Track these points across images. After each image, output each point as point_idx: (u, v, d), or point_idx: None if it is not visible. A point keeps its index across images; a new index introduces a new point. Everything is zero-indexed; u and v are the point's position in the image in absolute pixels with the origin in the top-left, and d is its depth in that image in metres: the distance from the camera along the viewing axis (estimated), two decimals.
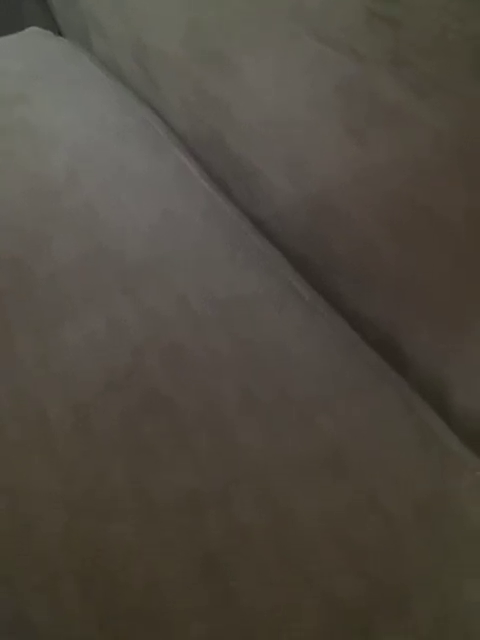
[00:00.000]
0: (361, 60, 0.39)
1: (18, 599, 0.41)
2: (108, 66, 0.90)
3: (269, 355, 0.53)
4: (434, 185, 0.44)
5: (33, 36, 0.96)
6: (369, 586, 0.41)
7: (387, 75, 0.38)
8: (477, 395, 0.54)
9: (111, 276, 0.58)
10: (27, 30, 0.98)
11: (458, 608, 0.41)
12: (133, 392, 0.50)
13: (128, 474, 0.46)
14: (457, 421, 0.54)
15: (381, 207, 0.51)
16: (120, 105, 0.81)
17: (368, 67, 0.39)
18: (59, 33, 1.12)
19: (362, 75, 0.40)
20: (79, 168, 0.68)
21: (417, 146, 0.42)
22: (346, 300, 0.59)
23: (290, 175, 0.59)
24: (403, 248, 0.51)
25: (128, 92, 0.85)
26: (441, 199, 0.45)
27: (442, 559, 0.43)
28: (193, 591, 0.41)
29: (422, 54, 0.36)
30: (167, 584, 0.41)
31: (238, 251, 0.62)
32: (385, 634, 0.40)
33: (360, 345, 0.57)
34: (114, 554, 0.42)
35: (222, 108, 0.64)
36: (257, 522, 0.44)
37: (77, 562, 0.43)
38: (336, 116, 0.47)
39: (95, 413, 0.49)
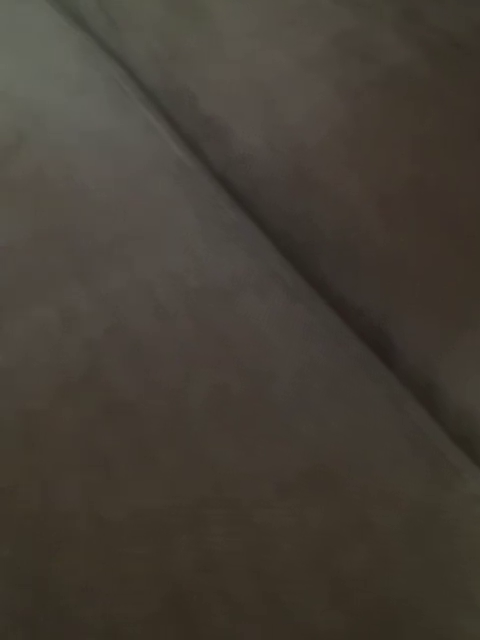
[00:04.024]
0: (364, 12, 0.32)
1: None
2: (68, 9, 0.81)
3: (246, 352, 0.47)
4: (435, 160, 0.38)
5: None
6: (356, 622, 0.36)
7: (394, 32, 0.31)
8: (471, 392, 0.49)
9: (65, 259, 0.51)
10: None
11: None
12: (90, 397, 0.44)
13: (83, 496, 0.40)
14: (449, 420, 0.49)
15: (371, 179, 0.45)
16: (80, 56, 0.71)
17: (372, 21, 0.32)
18: None
19: (364, 29, 0.33)
20: (30, 129, 0.60)
21: (421, 114, 0.35)
22: (332, 284, 0.53)
23: (268, 137, 0.52)
24: (394, 227, 0.45)
25: (90, 40, 0.75)
26: (442, 177, 0.39)
27: (435, 587, 0.38)
28: (159, 636, 0.36)
29: (439, 7, 0.29)
30: (128, 628, 0.36)
31: (212, 228, 0.56)
32: None
33: (347, 337, 0.51)
34: (66, 592, 0.37)
35: (193, 61, 0.56)
36: (232, 550, 0.38)
37: (22, 602, 0.37)
38: (327, 73, 0.40)
39: (46, 422, 0.43)
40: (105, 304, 0.49)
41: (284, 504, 0.40)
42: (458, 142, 0.37)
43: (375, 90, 0.37)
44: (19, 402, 0.44)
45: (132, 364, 0.45)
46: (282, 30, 0.43)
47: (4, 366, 0.45)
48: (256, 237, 0.55)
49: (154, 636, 0.36)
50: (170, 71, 0.62)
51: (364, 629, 0.35)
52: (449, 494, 0.43)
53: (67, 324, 0.48)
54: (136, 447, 0.42)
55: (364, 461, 0.43)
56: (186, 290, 0.50)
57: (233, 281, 0.52)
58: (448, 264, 0.43)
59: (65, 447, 0.42)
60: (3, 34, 0.70)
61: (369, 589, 0.37)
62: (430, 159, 0.37)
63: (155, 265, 0.52)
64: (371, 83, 0.37)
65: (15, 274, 0.50)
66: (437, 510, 0.41)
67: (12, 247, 0.51)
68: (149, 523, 0.39)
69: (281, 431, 0.44)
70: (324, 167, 0.46)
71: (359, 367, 0.48)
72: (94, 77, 0.69)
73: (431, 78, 0.32)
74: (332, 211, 0.48)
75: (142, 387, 0.44)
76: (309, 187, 0.49)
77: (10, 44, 0.69)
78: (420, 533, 0.40)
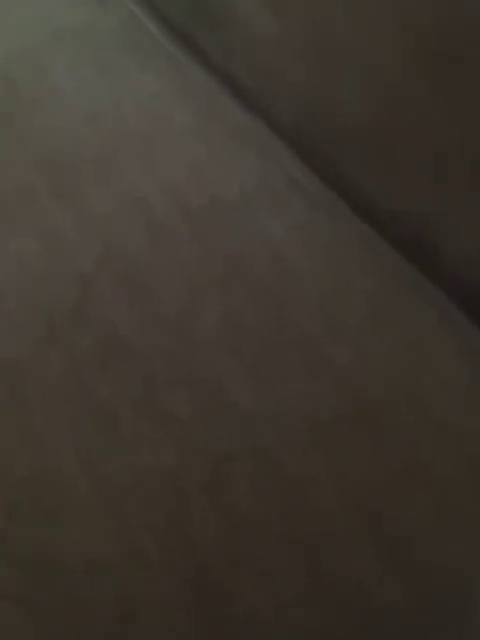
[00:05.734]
0: None
1: None
2: None
3: (261, 274, 0.40)
4: None
5: None
6: (417, 589, 0.31)
7: None
8: None
9: (44, 174, 0.43)
10: None
11: None
12: (81, 339, 0.37)
13: (83, 456, 0.34)
14: None
15: (416, 40, 0.36)
16: None
17: None
18: None
19: None
20: None
21: None
22: (360, 186, 0.45)
23: (274, 6, 0.43)
24: (446, 98, 0.36)
25: None
26: None
27: None
28: (182, 616, 0.30)
29: None
30: (144, 607, 0.31)
31: (214, 131, 0.47)
32: None
33: (381, 248, 0.43)
34: (71, 568, 0.32)
35: None
36: (261, 510, 0.32)
37: (21, 581, 0.32)
38: None
39: (33, 371, 0.36)
40: (94, 226, 0.41)
41: (321, 451, 0.34)
42: None
43: None
44: None
45: (128, 296, 0.38)
46: None
47: None
48: (267, 137, 0.47)
49: (176, 616, 0.31)
50: None
51: (428, 598, 0.30)
52: None
53: (51, 253, 0.40)
54: (139, 394, 0.35)
55: (414, 395, 0.36)
56: (187, 206, 0.42)
57: (241, 192, 0.44)
58: None
59: (57, 400, 0.35)
60: None
61: (430, 549, 0.31)
62: None
63: (149, 179, 0.43)
64: None
65: None
66: None
67: None
68: (161, 484, 0.33)
69: (311, 364, 0.37)
70: (353, 29, 0.37)
71: (399, 284, 0.41)
72: None
73: None
74: (363, 89, 0.39)
75: (141, 322, 0.37)
76: (332, 61, 0.39)
77: None
78: None
